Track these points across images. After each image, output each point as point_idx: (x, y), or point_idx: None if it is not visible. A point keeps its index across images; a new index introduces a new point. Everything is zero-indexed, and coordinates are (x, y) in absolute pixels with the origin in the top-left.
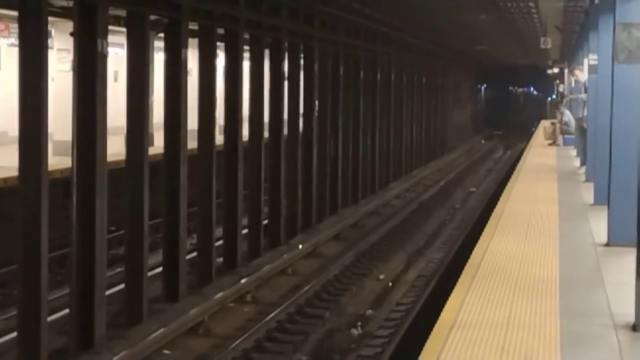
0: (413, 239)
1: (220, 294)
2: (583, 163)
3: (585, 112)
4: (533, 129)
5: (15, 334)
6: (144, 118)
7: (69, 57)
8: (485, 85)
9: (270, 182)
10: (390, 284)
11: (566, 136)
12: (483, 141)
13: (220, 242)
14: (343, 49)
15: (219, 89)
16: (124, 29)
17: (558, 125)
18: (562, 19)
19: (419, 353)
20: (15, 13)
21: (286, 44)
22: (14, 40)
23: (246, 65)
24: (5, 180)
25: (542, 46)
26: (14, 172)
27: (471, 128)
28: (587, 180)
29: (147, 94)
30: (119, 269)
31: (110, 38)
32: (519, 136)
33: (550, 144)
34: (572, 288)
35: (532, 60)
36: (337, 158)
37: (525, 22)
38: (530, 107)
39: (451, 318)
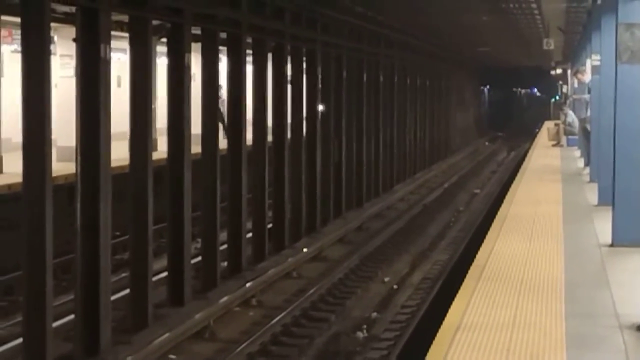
0: (417, 242)
1: (225, 298)
2: (587, 164)
3: (588, 113)
4: (537, 130)
5: (20, 340)
6: (148, 123)
7: (72, 62)
8: (488, 86)
9: (275, 186)
10: (395, 286)
11: (570, 137)
12: (487, 143)
13: (225, 246)
14: (346, 52)
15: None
16: (126, 34)
17: (562, 126)
18: (565, 20)
19: (425, 355)
20: (18, 19)
21: (289, 48)
22: (17, 46)
23: (249, 69)
24: (10, 186)
25: (545, 47)
26: (18, 179)
27: (475, 130)
28: (591, 180)
29: (150, 99)
30: (123, 274)
31: (113, 43)
32: (522, 137)
33: (554, 145)
34: (577, 289)
35: (535, 61)
36: (341, 161)
37: (527, 24)
38: (534, 108)
39: (456, 320)
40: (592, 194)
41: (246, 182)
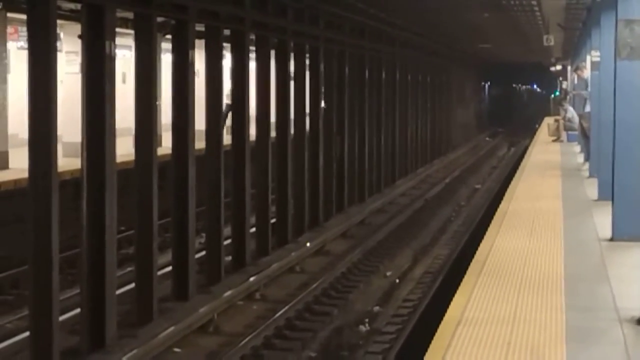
0: (419, 236)
1: (229, 292)
2: (587, 159)
3: (587, 109)
4: (537, 125)
5: (27, 333)
6: (152, 119)
7: (78, 59)
8: (489, 83)
9: (278, 181)
10: (397, 280)
11: (570, 132)
12: (487, 138)
13: (229, 241)
14: (348, 48)
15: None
16: (131, 31)
17: (562, 121)
18: (565, 16)
19: (426, 349)
20: (24, 17)
21: (292, 45)
22: (23, 43)
23: (252, 65)
24: (16, 182)
25: (545, 44)
26: (25, 174)
27: (475, 126)
28: (591, 175)
29: (155, 95)
30: (129, 269)
31: (118, 40)
32: (523, 133)
33: (554, 141)
34: (577, 283)
35: (535, 57)
36: (344, 157)
37: (527, 20)
38: (534, 104)
39: (457, 314)
40: (591, 189)
41: (250, 178)
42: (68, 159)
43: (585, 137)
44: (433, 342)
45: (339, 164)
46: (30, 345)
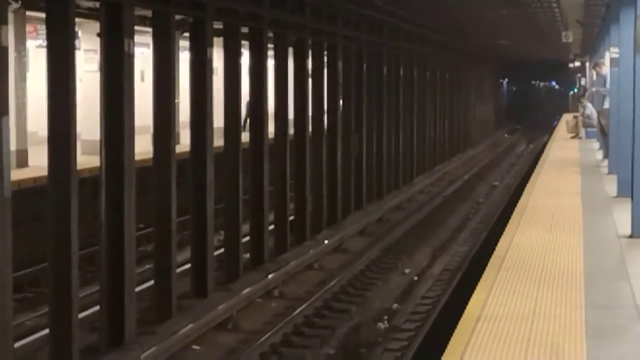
0: (437, 234)
1: (248, 290)
2: (605, 156)
3: (606, 105)
4: (555, 122)
5: (47, 331)
6: (171, 117)
7: (96, 57)
8: (507, 79)
9: (296, 179)
10: (415, 278)
11: (589, 129)
12: (506, 135)
13: (247, 238)
14: (366, 46)
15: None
16: (149, 29)
17: (580, 118)
18: (583, 13)
19: (446, 346)
20: (43, 15)
21: (310, 42)
22: (42, 41)
23: (270, 63)
24: (35, 179)
25: (564, 40)
26: (44, 172)
27: (494, 122)
28: (610, 172)
29: (173, 93)
30: (147, 266)
31: (137, 38)
32: (541, 130)
33: (572, 137)
34: (597, 280)
35: (554, 54)
36: (362, 154)
37: (546, 17)
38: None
39: (477, 311)
40: (611, 186)
41: (268, 175)
42: (87, 156)
43: (604, 134)
44: (452, 338)
45: (357, 161)
46: (49, 342)
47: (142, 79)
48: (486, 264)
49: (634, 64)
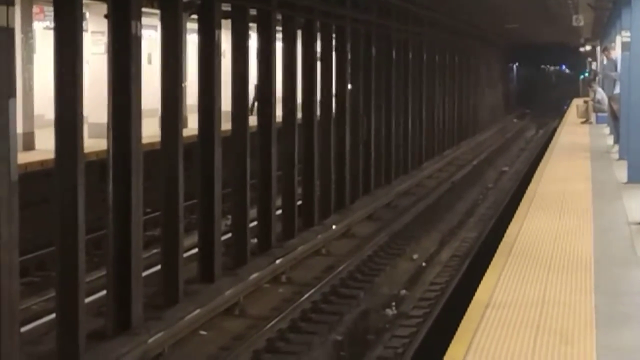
0: (446, 219)
1: (255, 275)
2: (616, 141)
3: (617, 90)
4: (565, 107)
5: (53, 315)
6: (178, 100)
7: (103, 39)
8: (517, 63)
9: (304, 163)
10: (423, 264)
11: (599, 114)
12: (515, 120)
13: (255, 223)
14: (375, 29)
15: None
16: (157, 11)
17: (591, 103)
18: None
19: (454, 332)
20: None
21: (318, 25)
22: (49, 23)
23: (279, 46)
24: (42, 162)
25: (574, 24)
26: (51, 155)
27: (503, 107)
28: (621, 158)
29: (181, 76)
30: (154, 251)
31: (144, 20)
32: (551, 115)
33: (582, 122)
34: (607, 266)
35: (564, 38)
36: (370, 138)
37: (557, 0)
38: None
39: (486, 297)
40: (621, 172)
41: (276, 159)
42: (94, 139)
43: (614, 118)
44: (461, 325)
45: (365, 145)
46: (56, 326)
47: (150, 62)
48: (495, 250)
49: None
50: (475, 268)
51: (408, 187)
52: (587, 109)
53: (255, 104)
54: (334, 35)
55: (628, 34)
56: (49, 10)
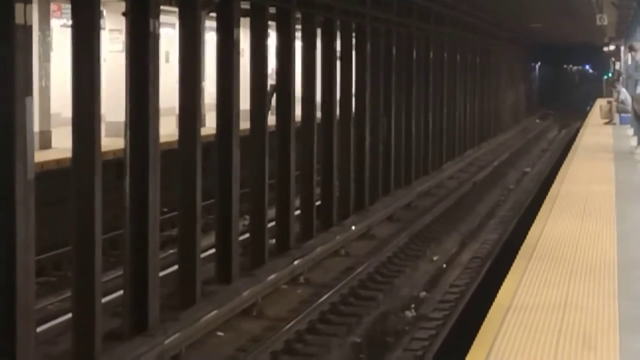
0: (467, 220)
1: (273, 276)
2: None
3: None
4: (588, 107)
5: (70, 315)
6: (196, 99)
7: (121, 37)
8: (539, 63)
9: (323, 163)
10: (444, 265)
11: (623, 115)
12: (537, 120)
13: (273, 223)
14: (395, 28)
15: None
16: (175, 9)
17: (614, 103)
18: None
19: (475, 336)
20: None
21: (338, 23)
22: (66, 20)
23: (298, 45)
24: (58, 161)
25: (598, 23)
26: (67, 154)
27: (525, 107)
28: None
29: (199, 75)
30: (171, 251)
31: (162, 18)
32: (574, 115)
33: (606, 123)
34: (630, 270)
35: (588, 37)
36: (390, 138)
37: None
38: (586, 85)
39: (507, 301)
40: None
41: (294, 159)
42: (111, 138)
43: (638, 119)
44: (482, 328)
45: (385, 145)
46: (72, 327)
47: (167, 60)
48: (516, 253)
49: None
50: (496, 270)
51: (428, 187)
52: (610, 110)
53: (274, 102)
54: (353, 34)
55: None
56: (67, 8)
